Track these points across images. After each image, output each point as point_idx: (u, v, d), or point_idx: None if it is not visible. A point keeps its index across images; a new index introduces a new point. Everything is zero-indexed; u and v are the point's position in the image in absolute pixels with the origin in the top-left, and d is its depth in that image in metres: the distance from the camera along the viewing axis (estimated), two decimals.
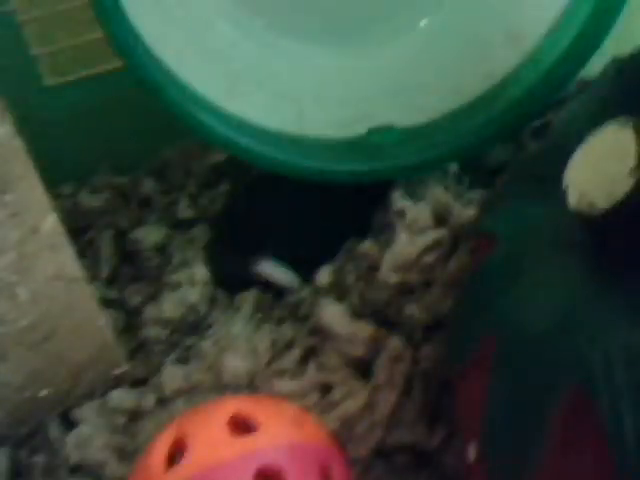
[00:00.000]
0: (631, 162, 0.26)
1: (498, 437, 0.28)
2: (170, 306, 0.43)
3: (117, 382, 0.41)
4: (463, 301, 0.33)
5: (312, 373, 0.39)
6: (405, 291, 0.40)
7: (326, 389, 0.38)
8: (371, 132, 0.46)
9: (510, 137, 0.44)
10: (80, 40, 0.50)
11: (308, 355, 0.40)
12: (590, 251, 0.28)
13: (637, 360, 0.23)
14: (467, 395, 0.31)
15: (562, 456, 0.25)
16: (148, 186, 0.50)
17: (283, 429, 0.32)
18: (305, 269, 0.44)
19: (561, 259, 0.29)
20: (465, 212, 0.42)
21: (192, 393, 0.40)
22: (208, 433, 0.32)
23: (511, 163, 0.42)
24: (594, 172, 0.27)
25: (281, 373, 0.39)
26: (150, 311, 0.44)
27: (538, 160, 0.35)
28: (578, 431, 0.24)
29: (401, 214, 0.42)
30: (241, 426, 0.32)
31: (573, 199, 0.27)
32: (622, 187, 0.25)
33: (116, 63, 0.50)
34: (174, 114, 0.42)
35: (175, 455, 0.31)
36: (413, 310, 0.39)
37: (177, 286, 0.44)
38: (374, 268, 0.41)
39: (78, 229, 0.49)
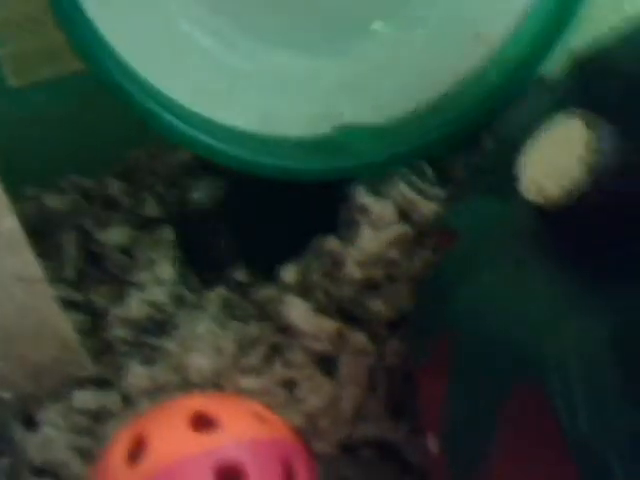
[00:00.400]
0: (582, 153, 0.26)
1: (457, 432, 0.28)
2: (136, 306, 0.43)
3: (82, 384, 0.41)
4: (423, 296, 0.33)
5: (277, 370, 0.39)
6: (370, 287, 0.40)
7: (291, 386, 0.38)
8: (337, 131, 0.47)
9: (475, 134, 0.45)
10: (45, 41, 0.49)
11: (274, 353, 0.40)
12: (546, 241, 0.28)
13: (590, 352, 0.23)
14: (428, 390, 0.31)
15: (515, 448, 0.25)
16: (114, 187, 0.49)
17: (245, 425, 0.32)
18: (274, 266, 0.44)
19: (519, 253, 0.29)
20: (430, 208, 0.42)
21: (158, 393, 0.40)
22: (169, 430, 0.31)
23: (471, 159, 0.42)
24: (546, 164, 0.27)
25: (246, 371, 0.39)
26: (116, 312, 0.44)
27: (497, 156, 0.35)
28: (532, 424, 0.24)
29: (365, 210, 0.42)
30: (203, 423, 0.32)
31: (526, 190, 0.27)
32: (573, 178, 0.26)
33: (82, 64, 0.50)
34: (137, 114, 0.42)
35: (136, 453, 0.31)
36: (378, 306, 0.39)
37: (143, 286, 0.44)
38: (339, 264, 0.41)
39: (43, 231, 0.48)
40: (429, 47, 0.47)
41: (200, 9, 0.45)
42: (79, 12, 0.40)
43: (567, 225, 0.27)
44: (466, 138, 0.44)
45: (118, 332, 0.43)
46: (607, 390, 0.23)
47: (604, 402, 0.23)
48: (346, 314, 0.40)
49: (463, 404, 0.27)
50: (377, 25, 0.48)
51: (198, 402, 0.33)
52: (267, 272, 0.44)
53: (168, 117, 0.42)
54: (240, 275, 0.46)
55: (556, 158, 0.26)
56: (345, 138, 0.46)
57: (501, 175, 0.32)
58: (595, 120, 0.26)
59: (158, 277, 0.45)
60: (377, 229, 0.41)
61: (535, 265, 0.28)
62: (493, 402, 0.25)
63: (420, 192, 0.43)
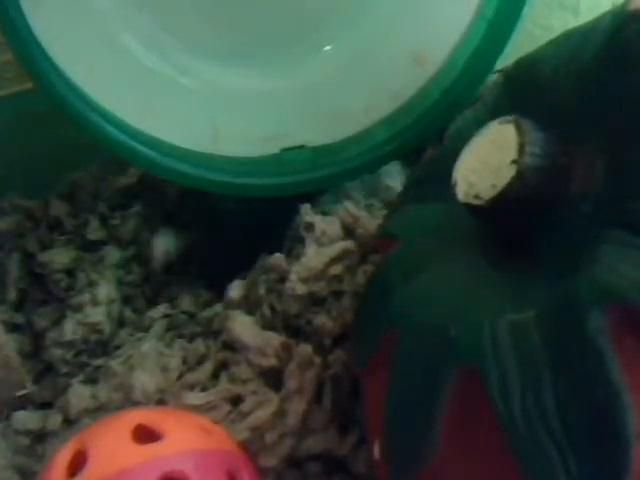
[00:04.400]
0: (512, 154, 0.27)
1: (396, 429, 0.28)
2: (71, 327, 0.43)
3: (23, 404, 0.40)
4: (365, 300, 0.34)
5: (223, 386, 0.38)
6: (315, 302, 0.40)
7: (237, 401, 0.38)
8: (284, 151, 0.47)
9: (413, 151, 0.46)
10: None
11: (220, 369, 0.40)
12: (480, 239, 0.29)
13: (520, 337, 0.24)
14: (371, 394, 0.32)
15: (456, 436, 0.25)
16: (58, 208, 0.49)
17: (188, 437, 0.32)
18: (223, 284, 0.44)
19: (456, 252, 0.30)
20: (374, 225, 0.43)
21: (100, 412, 0.39)
22: (110, 442, 0.31)
23: (412, 171, 0.43)
24: (479, 166, 0.28)
25: (191, 387, 0.39)
26: (53, 334, 0.43)
27: (434, 165, 0.36)
28: (470, 410, 0.25)
29: (310, 227, 0.43)
30: (146, 435, 0.31)
31: (461, 192, 0.28)
32: (504, 177, 0.27)
33: (26, 85, 0.50)
34: (85, 130, 0.42)
35: (77, 467, 0.31)
36: (323, 320, 0.39)
37: (81, 307, 0.43)
38: (284, 280, 0.41)
39: None
40: (372, 70, 0.49)
41: (148, 28, 0.45)
42: (29, 32, 0.40)
43: (496, 222, 0.28)
44: (408, 153, 0.46)
45: (56, 353, 0.43)
46: (537, 371, 0.23)
47: (534, 383, 0.23)
48: (292, 329, 0.40)
49: (402, 401, 0.28)
50: (329, 47, 0.49)
51: (140, 415, 0.33)
52: (216, 291, 0.44)
53: (117, 135, 0.42)
54: (186, 302, 0.46)
55: (489, 160, 0.27)
56: (290, 158, 0.47)
57: (439, 182, 0.33)
58: (527, 124, 0.27)
59: (97, 298, 0.44)
60: (322, 245, 0.42)
61: (471, 260, 0.29)
62: (433, 393, 0.25)
63: (365, 210, 0.44)
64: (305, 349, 0.37)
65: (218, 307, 0.43)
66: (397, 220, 0.35)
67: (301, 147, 0.48)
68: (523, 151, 0.26)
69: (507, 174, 0.27)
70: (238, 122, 0.47)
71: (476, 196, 0.27)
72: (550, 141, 0.27)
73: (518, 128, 0.27)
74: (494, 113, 0.32)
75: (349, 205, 0.44)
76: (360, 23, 0.48)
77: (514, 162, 0.27)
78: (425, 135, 0.45)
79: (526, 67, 0.33)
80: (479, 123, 0.32)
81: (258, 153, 0.47)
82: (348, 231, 0.43)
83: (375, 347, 0.31)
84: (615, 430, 0.22)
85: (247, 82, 0.48)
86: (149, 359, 0.41)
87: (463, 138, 0.32)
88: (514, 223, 0.27)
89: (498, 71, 0.43)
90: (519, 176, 0.26)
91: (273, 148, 0.47)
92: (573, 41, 0.32)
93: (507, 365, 0.24)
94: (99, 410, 0.39)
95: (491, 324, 0.25)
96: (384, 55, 0.48)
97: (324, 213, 0.44)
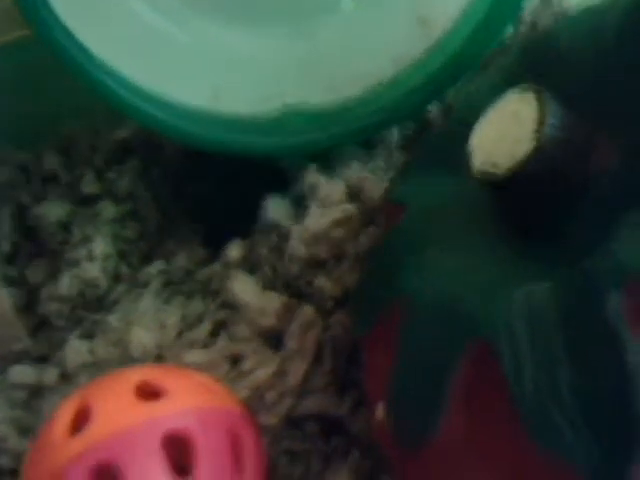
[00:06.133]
0: (532, 124, 0.27)
1: (404, 396, 0.28)
2: (67, 282, 0.42)
3: (18, 359, 0.39)
4: (370, 267, 0.34)
5: (222, 345, 0.38)
6: (316, 264, 0.40)
7: (236, 360, 0.38)
8: (285, 110, 0.47)
9: (414, 116, 0.46)
10: None
11: (219, 328, 0.40)
12: (493, 212, 0.29)
13: (535, 313, 0.24)
14: (376, 359, 0.32)
15: (466, 407, 0.25)
16: (52, 161, 0.48)
17: (190, 394, 0.32)
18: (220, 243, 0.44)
19: (467, 224, 0.30)
20: (380, 188, 0.42)
21: (97, 368, 0.39)
22: (113, 400, 0.31)
23: (420, 137, 0.43)
24: (497, 135, 0.28)
25: (190, 345, 0.39)
26: (49, 288, 0.43)
27: (445, 134, 0.36)
28: (481, 383, 0.25)
29: (314, 189, 0.42)
30: (148, 393, 0.31)
31: (477, 161, 0.28)
32: (523, 148, 0.27)
33: (18, 33, 0.49)
34: (84, 83, 0.41)
35: (79, 423, 0.31)
36: (324, 283, 0.40)
37: (77, 262, 0.43)
38: (285, 241, 0.41)
39: None
40: (374, 31, 0.48)
41: None
42: None
43: (513, 194, 0.28)
44: (408, 119, 0.45)
45: (52, 307, 0.42)
46: (551, 348, 0.23)
47: (548, 360, 0.23)
48: (292, 290, 0.40)
49: (412, 369, 0.28)
50: (324, 7, 0.48)
51: (143, 372, 0.33)
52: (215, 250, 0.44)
53: (117, 89, 0.41)
54: (182, 259, 0.45)
55: (507, 129, 0.27)
56: (291, 118, 0.47)
57: (452, 151, 0.32)
58: (547, 95, 0.27)
59: (92, 253, 0.44)
60: (324, 207, 0.42)
61: (483, 233, 0.29)
62: (445, 363, 0.26)
63: (371, 172, 0.43)
64: (307, 310, 0.38)
65: (216, 266, 0.43)
66: (405, 188, 0.35)
67: (304, 106, 0.47)
68: (544, 122, 0.26)
69: (526, 145, 0.26)
70: (239, 81, 0.47)
71: (493, 166, 0.27)
72: (569, 115, 0.27)
73: (539, 98, 0.27)
74: (509, 82, 0.32)
75: (354, 167, 0.44)
76: None
77: (534, 132, 0.26)
78: (432, 98, 0.45)
79: (544, 37, 0.33)
80: (492, 91, 0.32)
81: (260, 113, 0.46)
82: (352, 194, 0.43)
83: (381, 314, 0.31)
84: (629, 414, 0.22)
85: (248, 41, 0.47)
86: (147, 315, 0.40)
87: (475, 106, 0.32)
88: (530, 198, 0.27)
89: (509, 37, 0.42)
90: (539, 147, 0.26)
91: (275, 108, 0.47)
92: (593, 14, 0.32)
93: (520, 340, 0.24)
94: (96, 365, 0.39)
95: (504, 297, 0.25)
96: (387, 16, 0.48)
97: (329, 175, 0.44)
